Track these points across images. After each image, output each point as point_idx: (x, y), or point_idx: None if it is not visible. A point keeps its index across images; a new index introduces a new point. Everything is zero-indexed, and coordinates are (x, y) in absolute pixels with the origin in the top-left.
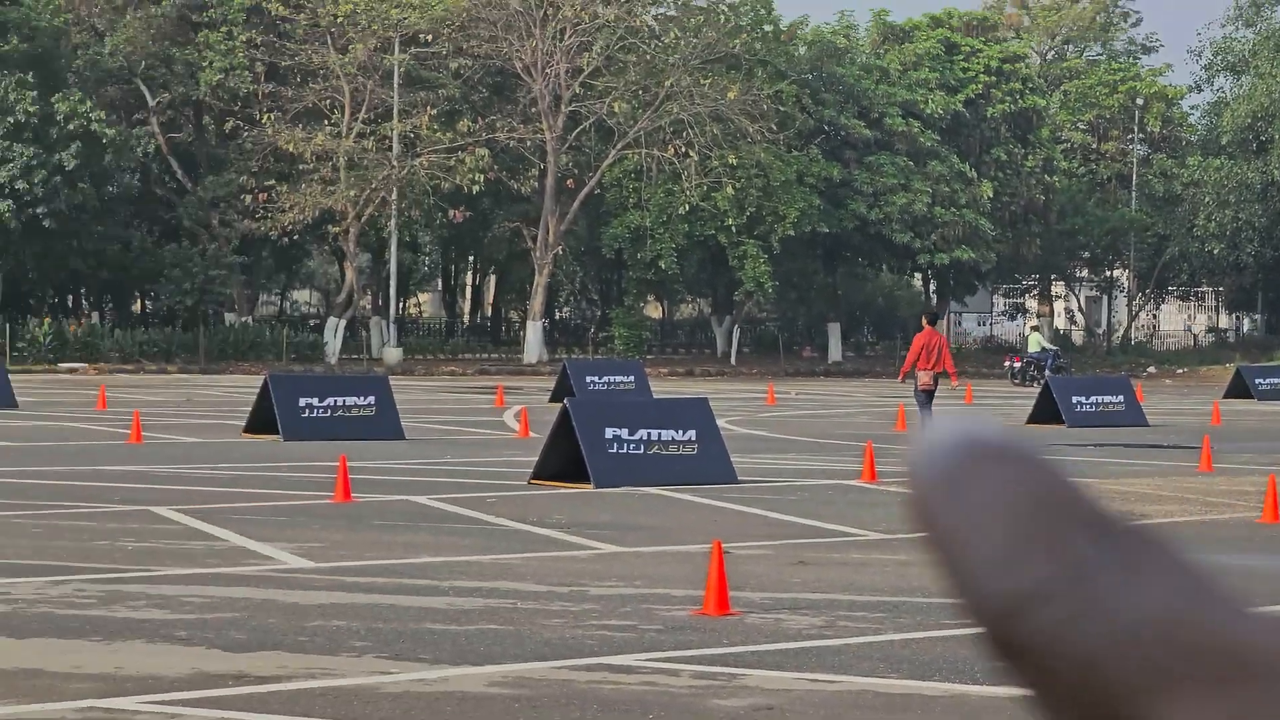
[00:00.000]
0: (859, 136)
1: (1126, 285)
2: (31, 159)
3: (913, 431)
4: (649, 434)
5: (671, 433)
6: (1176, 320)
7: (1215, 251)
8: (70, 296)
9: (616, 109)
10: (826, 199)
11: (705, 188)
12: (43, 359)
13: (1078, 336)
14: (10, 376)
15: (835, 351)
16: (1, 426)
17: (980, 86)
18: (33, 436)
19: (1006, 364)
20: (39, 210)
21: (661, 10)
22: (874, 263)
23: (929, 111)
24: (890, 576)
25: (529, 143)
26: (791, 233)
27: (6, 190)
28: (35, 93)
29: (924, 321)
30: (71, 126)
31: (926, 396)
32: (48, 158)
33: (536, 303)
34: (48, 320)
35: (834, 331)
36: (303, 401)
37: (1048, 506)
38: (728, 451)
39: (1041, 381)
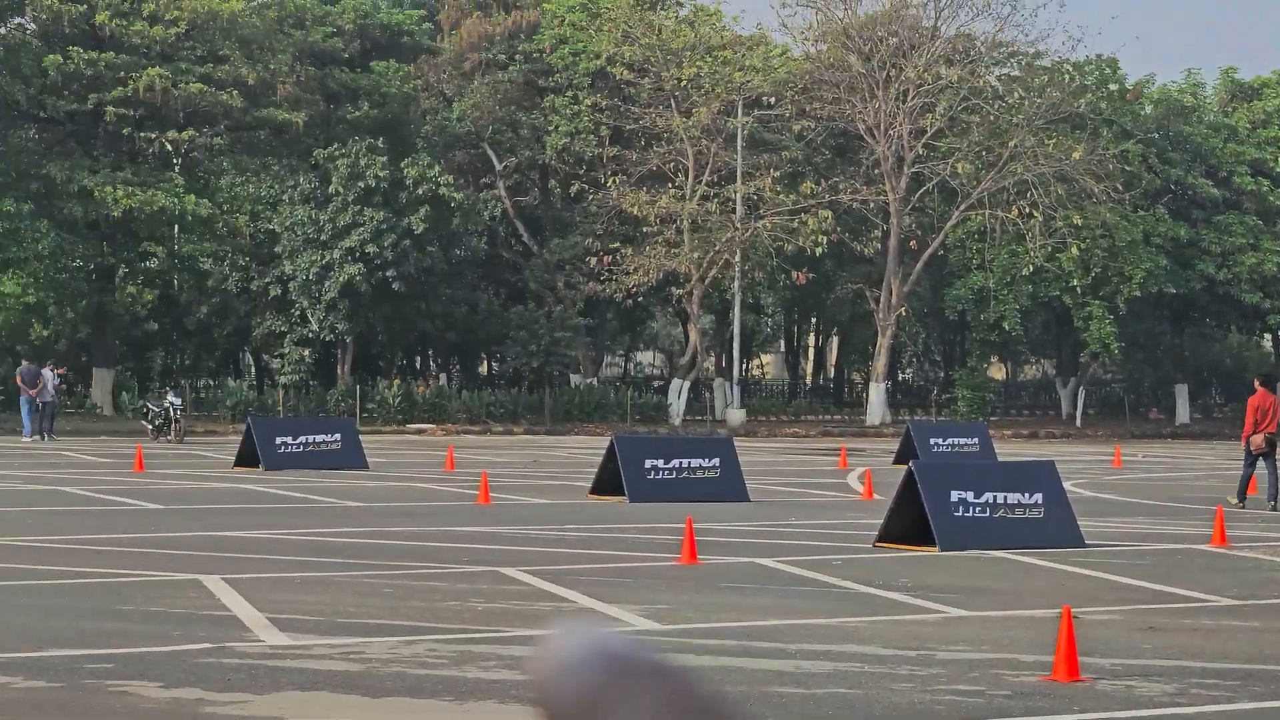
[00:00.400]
0: (1206, 196)
1: None
2: (381, 223)
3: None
4: (995, 497)
5: (1018, 496)
6: None
7: None
8: (418, 358)
9: (960, 170)
10: (1173, 259)
11: (1050, 248)
12: (392, 420)
13: None
14: (361, 437)
15: (1182, 413)
16: (353, 487)
17: None
18: (383, 497)
19: None
20: (389, 274)
21: (1005, 70)
22: (1222, 323)
23: (1279, 170)
24: (1243, 644)
25: (872, 204)
26: (1138, 293)
27: (357, 254)
28: (385, 158)
29: (1257, 384)
30: (420, 191)
31: (1261, 458)
32: (397, 222)
33: (879, 364)
34: (397, 382)
35: (1181, 393)
36: (648, 463)
37: None
38: (1074, 515)
39: None
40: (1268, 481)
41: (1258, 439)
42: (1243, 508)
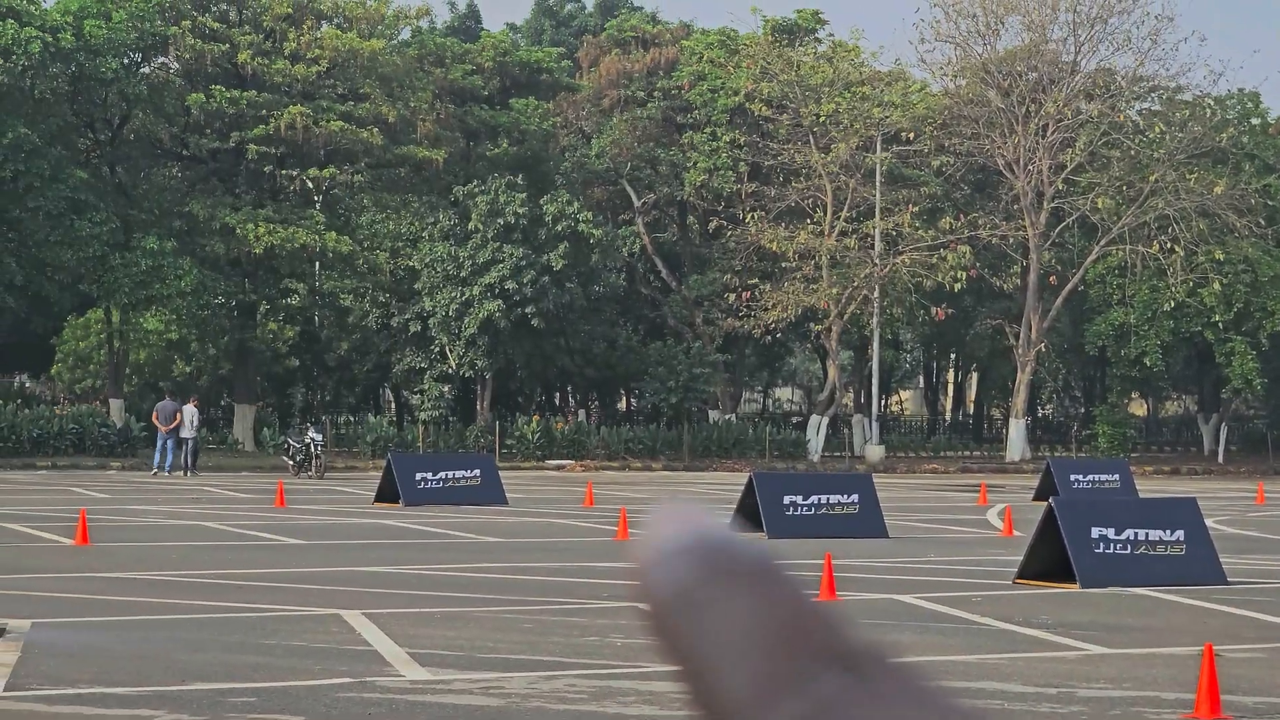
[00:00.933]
0: None
1: None
2: (521, 260)
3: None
4: (1136, 534)
5: (1159, 533)
6: None
7: None
8: (557, 394)
9: (1100, 205)
10: None
11: (1191, 284)
12: (531, 456)
13: None
14: (500, 473)
15: None
16: (493, 523)
17: None
18: (523, 533)
19: None
20: (528, 310)
21: (1146, 105)
22: None
23: None
24: None
25: (1011, 239)
26: None
27: (497, 290)
28: (524, 194)
29: None
30: (559, 227)
31: None
32: (536, 258)
33: (1019, 400)
34: (536, 418)
35: None
36: (787, 499)
37: (793, 635)
38: (1216, 552)
39: None
40: None
41: None
42: None
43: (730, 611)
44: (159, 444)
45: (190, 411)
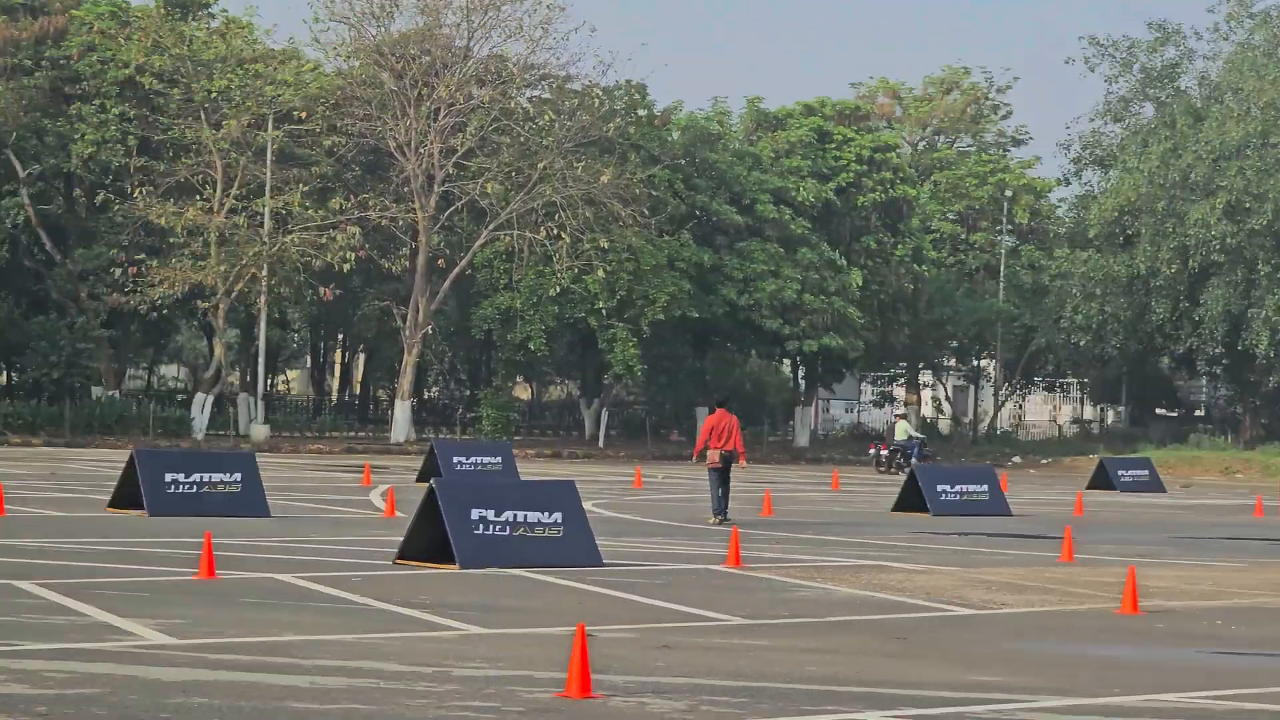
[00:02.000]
0: (730, 222)
1: (993, 375)
2: None
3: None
4: (515, 515)
5: (537, 514)
6: (1042, 411)
7: (1081, 343)
8: None
9: (489, 190)
10: (697, 284)
11: (576, 270)
12: None
13: (944, 425)
14: None
15: None
16: None
17: (851, 175)
18: None
19: (871, 451)
20: None
21: (536, 93)
22: (743, 348)
23: (800, 199)
24: (753, 661)
25: (401, 222)
26: (661, 317)
27: None
28: None
29: (715, 405)
30: None
31: (717, 474)
32: None
33: (405, 382)
34: None
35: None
36: (169, 477)
37: None
38: (593, 534)
39: (907, 470)
40: (722, 496)
41: (714, 456)
42: (722, 523)
43: None
44: None
45: None
